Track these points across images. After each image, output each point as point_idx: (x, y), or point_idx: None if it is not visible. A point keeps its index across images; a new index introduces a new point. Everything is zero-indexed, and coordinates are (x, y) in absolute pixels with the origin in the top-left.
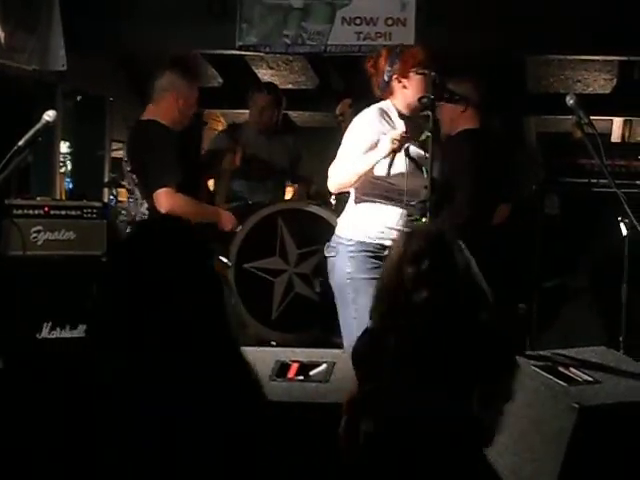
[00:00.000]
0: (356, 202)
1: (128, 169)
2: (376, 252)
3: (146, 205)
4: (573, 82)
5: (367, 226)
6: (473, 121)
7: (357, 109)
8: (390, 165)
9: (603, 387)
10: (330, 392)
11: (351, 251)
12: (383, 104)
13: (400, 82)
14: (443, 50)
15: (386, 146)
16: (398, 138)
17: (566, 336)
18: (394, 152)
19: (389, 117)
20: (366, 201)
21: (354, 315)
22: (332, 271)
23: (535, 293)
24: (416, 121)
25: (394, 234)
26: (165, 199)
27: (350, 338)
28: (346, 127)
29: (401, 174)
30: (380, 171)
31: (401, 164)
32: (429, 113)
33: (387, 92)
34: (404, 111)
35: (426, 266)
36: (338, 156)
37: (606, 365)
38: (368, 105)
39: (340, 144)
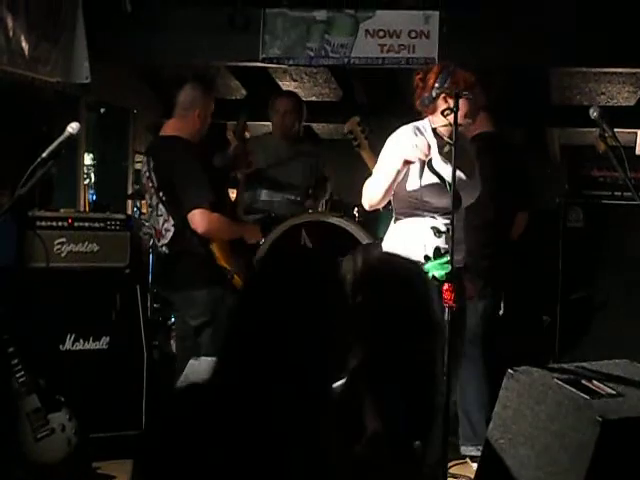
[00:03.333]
0: (394, 222)
1: (152, 185)
2: None
3: (172, 222)
4: (597, 94)
5: (401, 244)
6: (486, 125)
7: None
8: (420, 178)
9: (626, 400)
10: None
11: None
12: (419, 123)
13: (446, 102)
14: (466, 63)
15: (407, 153)
16: (422, 148)
17: (590, 349)
18: (410, 162)
19: (422, 135)
20: (400, 219)
21: None
22: None
23: (559, 306)
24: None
25: (424, 248)
26: (201, 219)
27: None
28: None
29: (430, 189)
30: (410, 186)
31: (429, 179)
32: (451, 124)
33: (430, 109)
34: (441, 130)
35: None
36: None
37: (629, 378)
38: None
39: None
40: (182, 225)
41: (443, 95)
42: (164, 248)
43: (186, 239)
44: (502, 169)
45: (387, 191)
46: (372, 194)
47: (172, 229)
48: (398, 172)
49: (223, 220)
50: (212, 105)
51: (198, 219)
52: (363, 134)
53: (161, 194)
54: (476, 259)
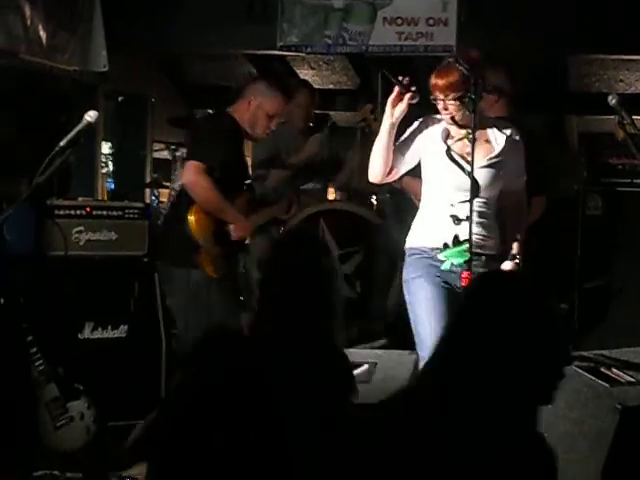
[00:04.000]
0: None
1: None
2: (424, 254)
3: (179, 182)
4: (615, 82)
5: (416, 231)
6: (505, 110)
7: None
8: (438, 166)
9: None
10: (372, 392)
11: (404, 259)
12: (438, 115)
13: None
14: (485, 49)
15: (387, 108)
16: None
17: (608, 337)
18: (394, 114)
19: (434, 123)
20: (421, 208)
21: (411, 317)
22: None
23: (577, 293)
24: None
25: (443, 236)
26: (192, 172)
27: (417, 340)
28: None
29: (448, 176)
30: (429, 173)
31: (444, 164)
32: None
33: None
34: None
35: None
36: None
37: None
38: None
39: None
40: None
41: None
42: (164, 210)
43: (181, 203)
44: None
45: (384, 155)
46: (371, 162)
47: (177, 189)
48: (388, 130)
49: (212, 188)
50: (275, 105)
51: (190, 170)
52: (376, 122)
53: (184, 151)
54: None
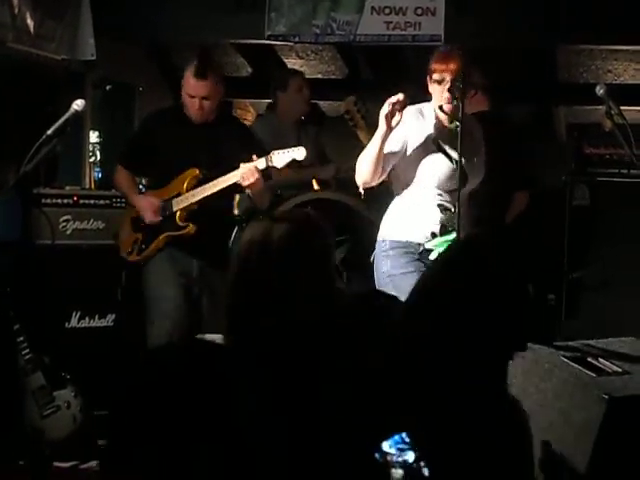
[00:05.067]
0: (398, 197)
1: None
2: (409, 248)
3: None
4: (604, 72)
5: (400, 224)
6: (483, 104)
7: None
8: (426, 155)
9: (632, 378)
10: None
11: (384, 250)
12: (424, 104)
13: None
14: (472, 39)
15: (381, 119)
16: (388, 106)
17: (595, 327)
18: (390, 126)
19: (422, 115)
20: (404, 195)
21: None
22: (375, 275)
23: (564, 283)
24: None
25: (426, 228)
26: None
27: None
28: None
29: (436, 166)
30: (417, 162)
31: (436, 156)
32: (458, 103)
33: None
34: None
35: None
36: None
37: (635, 356)
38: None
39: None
40: None
41: (428, 77)
42: None
43: None
44: (497, 149)
45: (375, 162)
46: (360, 167)
47: None
48: (382, 138)
49: (115, 177)
50: (188, 83)
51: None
52: (359, 114)
53: None
54: None
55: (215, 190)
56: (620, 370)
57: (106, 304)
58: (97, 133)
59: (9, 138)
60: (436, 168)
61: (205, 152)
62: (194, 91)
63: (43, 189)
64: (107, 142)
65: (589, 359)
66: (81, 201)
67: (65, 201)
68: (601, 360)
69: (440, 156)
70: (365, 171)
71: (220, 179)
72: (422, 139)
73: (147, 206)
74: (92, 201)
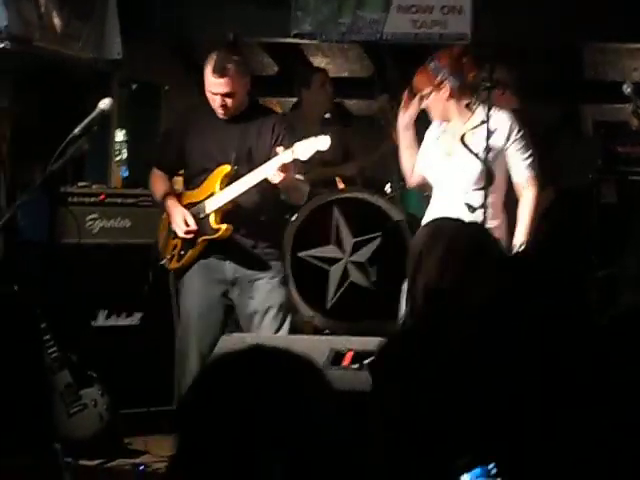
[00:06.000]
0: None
1: None
2: None
3: None
4: (630, 70)
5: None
6: (511, 102)
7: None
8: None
9: None
10: None
11: None
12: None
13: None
14: (498, 38)
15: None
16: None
17: None
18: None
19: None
20: (434, 196)
21: None
22: None
23: (590, 282)
24: None
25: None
26: None
27: None
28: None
29: (462, 164)
30: (438, 161)
31: (462, 154)
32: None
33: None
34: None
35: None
36: None
37: None
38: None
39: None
40: None
41: None
42: None
43: None
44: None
45: (404, 159)
46: (403, 169)
47: None
48: (402, 136)
49: (152, 183)
50: (207, 80)
51: None
52: (392, 112)
53: None
54: None
55: (245, 189)
56: None
57: (133, 303)
58: (123, 132)
59: (36, 137)
60: (463, 167)
61: (234, 148)
62: (214, 88)
63: (70, 187)
64: (133, 141)
65: None
66: (108, 200)
67: (92, 200)
68: None
69: (467, 154)
70: (406, 173)
71: (248, 176)
72: (450, 138)
73: (178, 219)
74: (119, 200)
